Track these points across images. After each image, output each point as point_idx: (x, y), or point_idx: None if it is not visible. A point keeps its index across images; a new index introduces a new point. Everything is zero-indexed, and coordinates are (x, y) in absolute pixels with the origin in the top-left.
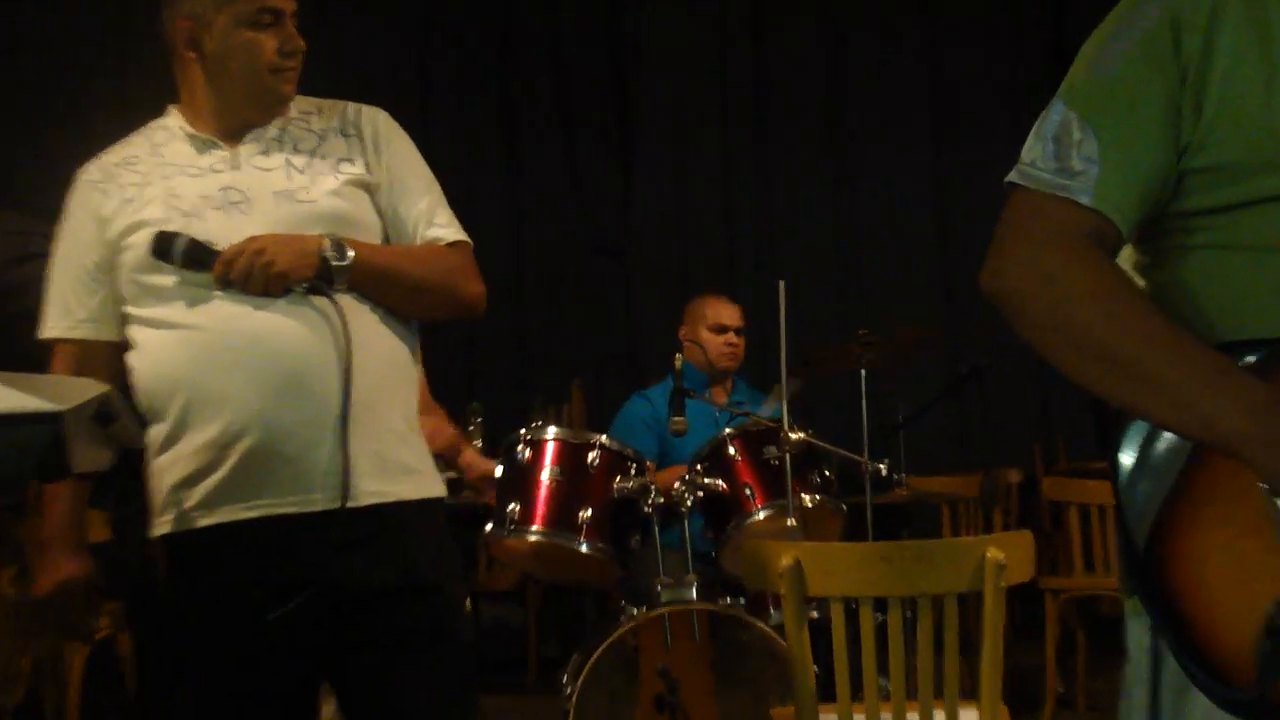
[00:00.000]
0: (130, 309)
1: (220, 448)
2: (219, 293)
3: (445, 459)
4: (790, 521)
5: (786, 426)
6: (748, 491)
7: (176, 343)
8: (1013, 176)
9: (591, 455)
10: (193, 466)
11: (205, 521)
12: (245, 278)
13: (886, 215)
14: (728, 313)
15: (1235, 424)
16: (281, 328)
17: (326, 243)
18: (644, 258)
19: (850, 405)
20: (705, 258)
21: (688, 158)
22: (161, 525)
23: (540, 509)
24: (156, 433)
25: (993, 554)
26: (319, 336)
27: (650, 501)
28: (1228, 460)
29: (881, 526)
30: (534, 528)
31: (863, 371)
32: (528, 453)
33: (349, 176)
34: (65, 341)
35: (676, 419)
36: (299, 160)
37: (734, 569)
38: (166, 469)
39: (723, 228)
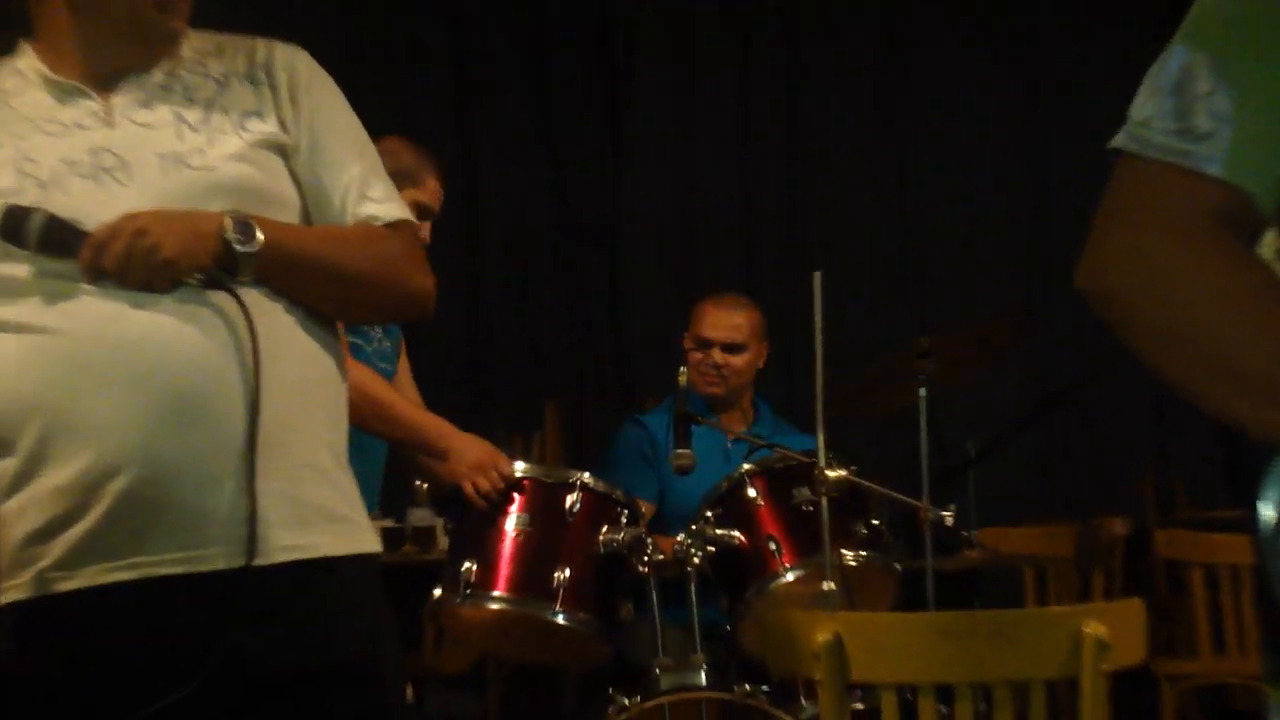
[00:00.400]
0: None
1: (87, 489)
2: (87, 287)
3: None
4: (828, 585)
5: (823, 462)
6: (773, 546)
7: (29, 352)
8: (1120, 141)
9: (570, 499)
10: (50, 514)
11: (66, 585)
12: (122, 267)
13: (954, 191)
14: (715, 321)
15: None
16: (169, 333)
17: (228, 222)
18: (637, 244)
19: (906, 434)
20: (716, 244)
21: (693, 115)
22: (7, 591)
23: (504, 569)
24: (1, 470)
25: (1092, 629)
26: (217, 344)
27: (647, 559)
28: None
29: (947, 592)
30: (496, 593)
31: (922, 391)
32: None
33: (258, 136)
34: None
35: (680, 452)
36: (192, 114)
37: (754, 647)
38: (15, 517)
39: (739, 206)
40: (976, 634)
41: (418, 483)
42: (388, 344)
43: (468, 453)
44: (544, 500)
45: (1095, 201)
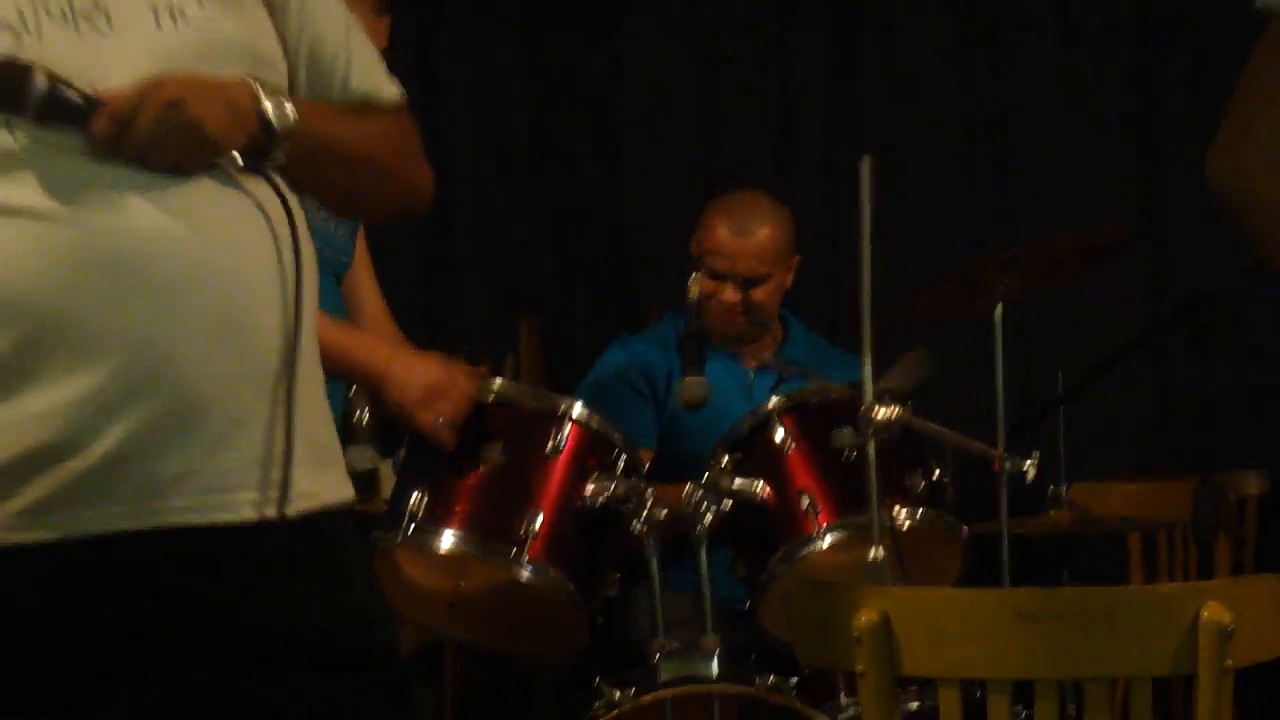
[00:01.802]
0: None
1: (91, 416)
2: (92, 165)
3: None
4: (875, 552)
5: (871, 396)
6: (806, 502)
7: (17, 240)
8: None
9: (556, 432)
10: (27, 443)
11: (40, 535)
12: (152, 144)
13: (1047, 60)
14: (728, 248)
15: None
16: (200, 228)
17: (262, 93)
18: (640, 120)
19: (978, 365)
20: (741, 122)
21: None
22: None
23: (460, 503)
24: None
25: (1212, 613)
26: (254, 243)
27: (645, 517)
28: None
29: (1028, 564)
30: (448, 530)
31: (999, 308)
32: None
33: None
34: None
35: (691, 380)
36: None
37: (781, 629)
38: None
39: (772, 73)
40: (1064, 617)
41: (356, 414)
42: (341, 231)
43: (411, 378)
44: (522, 430)
45: (1234, 77)
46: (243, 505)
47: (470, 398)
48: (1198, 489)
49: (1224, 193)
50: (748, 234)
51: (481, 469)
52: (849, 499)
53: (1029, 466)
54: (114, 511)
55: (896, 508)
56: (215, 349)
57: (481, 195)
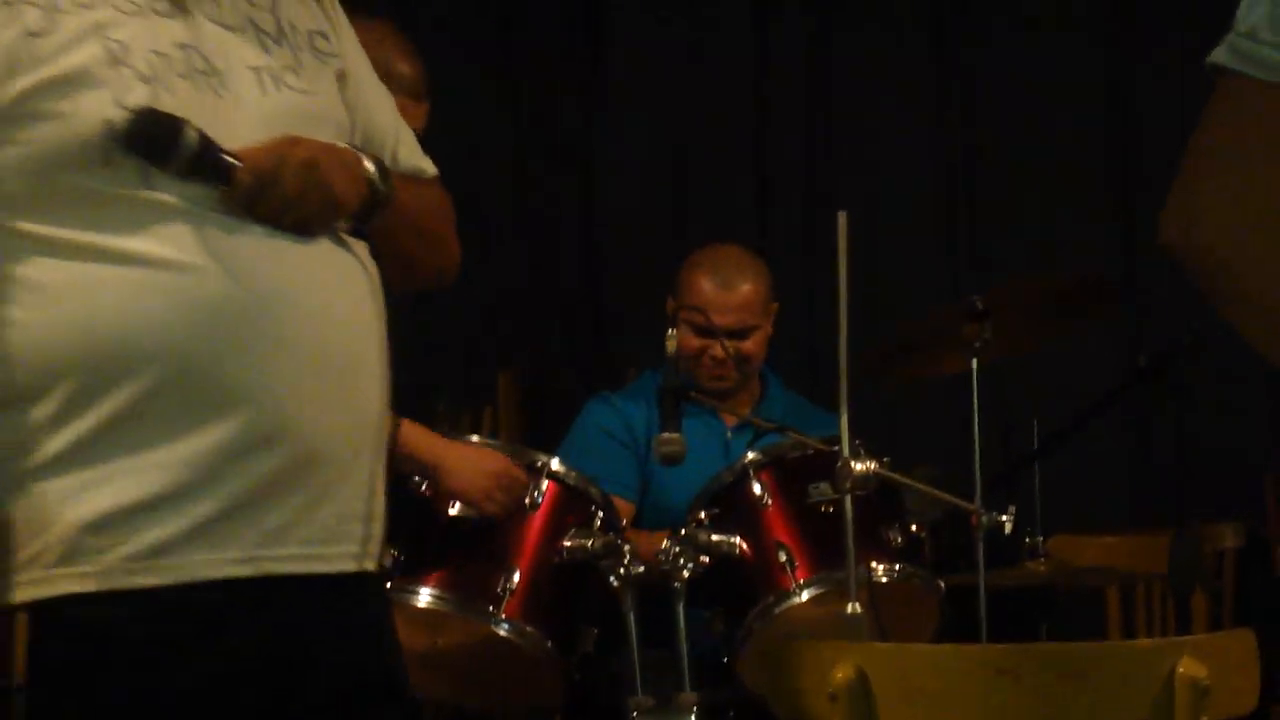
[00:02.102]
0: (32, 224)
1: (218, 464)
2: (219, 219)
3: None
4: (852, 607)
5: (848, 451)
6: (783, 557)
7: (150, 289)
8: (1219, 56)
9: (533, 487)
10: (149, 489)
11: (150, 580)
12: (289, 203)
13: (1019, 115)
14: (714, 301)
15: None
16: (323, 284)
17: (369, 162)
18: (620, 174)
19: (954, 418)
20: (719, 177)
21: (690, 9)
22: (56, 581)
23: (437, 561)
24: (35, 424)
25: (1188, 668)
26: (361, 302)
27: (623, 571)
28: None
29: (1006, 618)
30: (425, 590)
31: (974, 363)
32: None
33: (328, 56)
34: None
35: (668, 436)
36: (266, 21)
37: (759, 684)
38: (78, 488)
39: (749, 128)
40: (1041, 672)
41: None
42: None
43: (470, 468)
44: None
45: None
46: (344, 558)
47: (525, 488)
48: (1173, 542)
49: (1178, 256)
50: (732, 288)
51: (460, 525)
52: (826, 554)
53: (1006, 520)
54: (225, 558)
55: (873, 562)
56: (332, 405)
57: (465, 252)
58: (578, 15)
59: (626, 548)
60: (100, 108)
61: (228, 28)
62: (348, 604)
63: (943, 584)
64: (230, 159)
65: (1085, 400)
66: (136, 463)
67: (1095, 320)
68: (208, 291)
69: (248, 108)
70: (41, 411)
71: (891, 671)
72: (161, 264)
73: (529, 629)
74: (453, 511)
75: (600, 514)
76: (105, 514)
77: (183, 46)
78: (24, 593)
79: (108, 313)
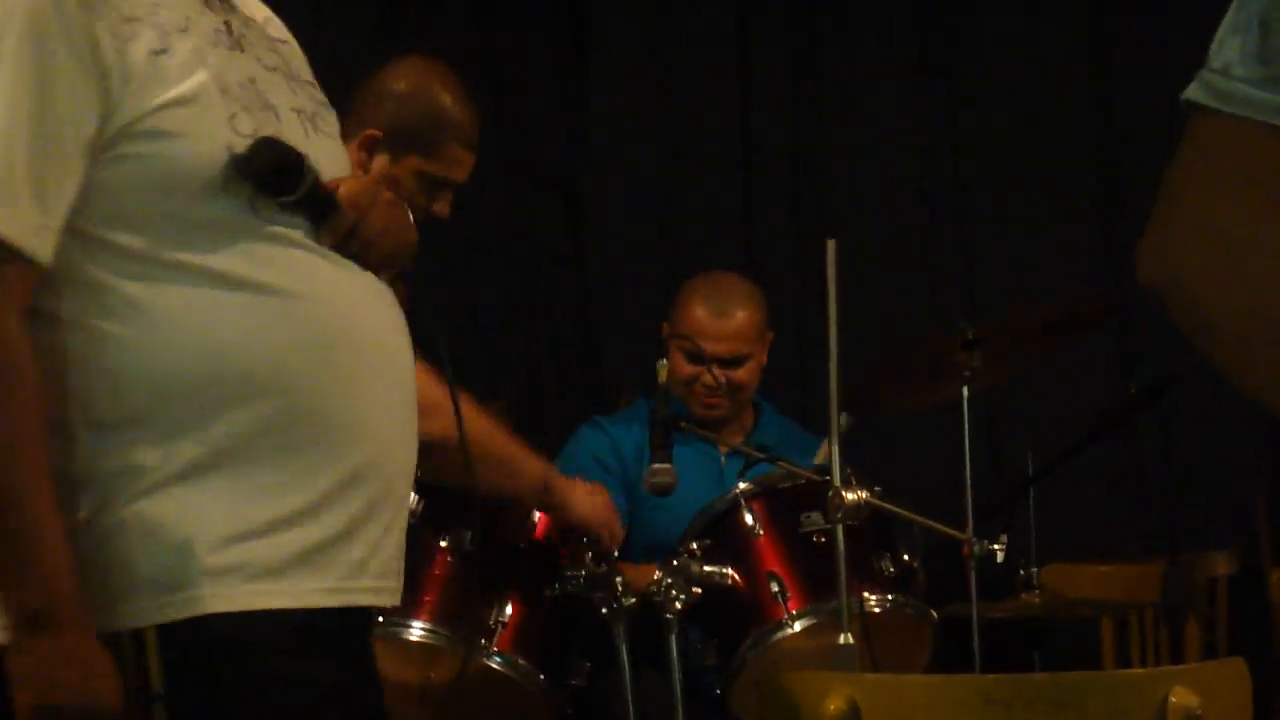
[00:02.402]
0: (147, 244)
1: (327, 495)
2: (311, 252)
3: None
4: (845, 638)
5: (839, 480)
6: (775, 588)
7: (266, 316)
8: (1193, 92)
9: (525, 518)
10: (273, 514)
11: (270, 602)
12: (378, 239)
13: (1009, 145)
14: (708, 330)
15: None
16: (396, 322)
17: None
18: (608, 200)
19: (946, 447)
20: (708, 201)
21: (680, 36)
22: (205, 600)
23: (428, 595)
24: (167, 438)
25: (1180, 697)
26: (406, 338)
27: (615, 602)
28: None
29: (999, 648)
30: (417, 624)
31: (964, 391)
32: (418, 507)
33: (330, 111)
34: (23, 258)
35: (658, 467)
36: (285, 67)
37: (752, 714)
38: (211, 501)
39: (737, 153)
40: (1033, 702)
41: None
42: None
43: (589, 503)
44: (491, 516)
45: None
46: (395, 592)
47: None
48: (1166, 570)
49: (1156, 292)
50: (727, 316)
51: (451, 557)
52: (818, 584)
53: (998, 549)
54: (322, 588)
55: (866, 593)
56: (406, 439)
57: (447, 276)
58: (565, 38)
59: (618, 579)
60: (219, 131)
61: (269, 69)
62: (369, 636)
63: (935, 614)
64: (330, 196)
65: (1077, 429)
66: (250, 488)
67: (1087, 339)
68: (320, 323)
69: (315, 148)
70: (153, 434)
71: (883, 702)
72: (278, 293)
73: (521, 661)
74: (443, 544)
75: (592, 544)
76: (227, 537)
77: (252, 81)
78: (162, 615)
79: (226, 338)
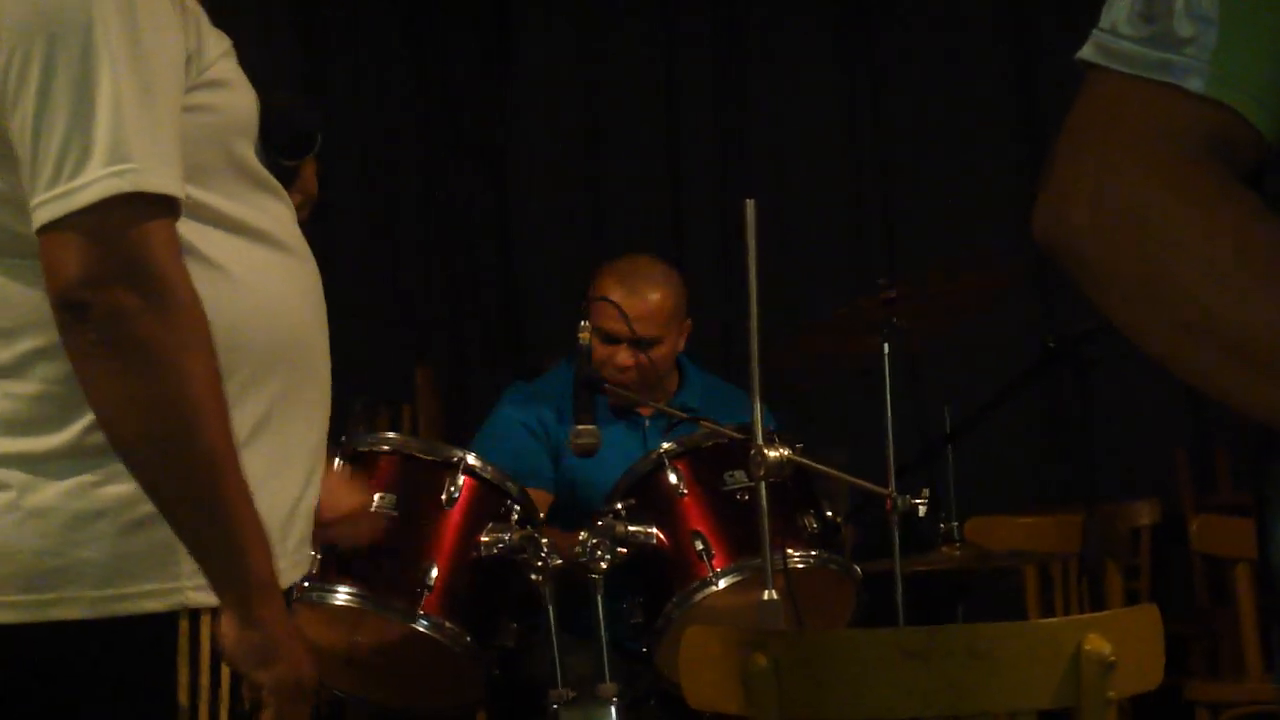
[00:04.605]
0: (214, 197)
1: (321, 455)
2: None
3: None
4: (769, 594)
5: (761, 439)
6: (700, 546)
7: (301, 278)
8: (1085, 52)
9: (450, 482)
10: (300, 478)
11: (299, 574)
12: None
13: (929, 111)
14: (625, 306)
15: None
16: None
17: None
18: (532, 168)
19: (867, 405)
20: (632, 170)
21: (601, 7)
22: (284, 573)
23: (355, 556)
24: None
25: (1095, 644)
26: None
27: (541, 564)
28: None
29: (921, 602)
30: (342, 589)
31: (885, 348)
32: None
33: None
34: (169, 212)
35: (582, 428)
36: None
37: (677, 673)
38: (279, 467)
39: (661, 121)
40: (950, 654)
41: None
42: None
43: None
44: (416, 481)
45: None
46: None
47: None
48: (1086, 520)
49: (1051, 248)
50: (641, 297)
51: (377, 521)
52: (743, 542)
53: (920, 504)
54: (309, 556)
55: (790, 549)
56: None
57: (372, 245)
58: (486, 14)
59: (545, 541)
60: (246, 83)
61: None
62: None
63: (859, 570)
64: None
65: (997, 384)
66: (284, 453)
67: (1007, 307)
68: (314, 284)
69: None
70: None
71: (802, 658)
72: (292, 251)
73: (448, 624)
74: (371, 508)
75: (517, 508)
76: (289, 505)
77: None
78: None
79: (282, 296)
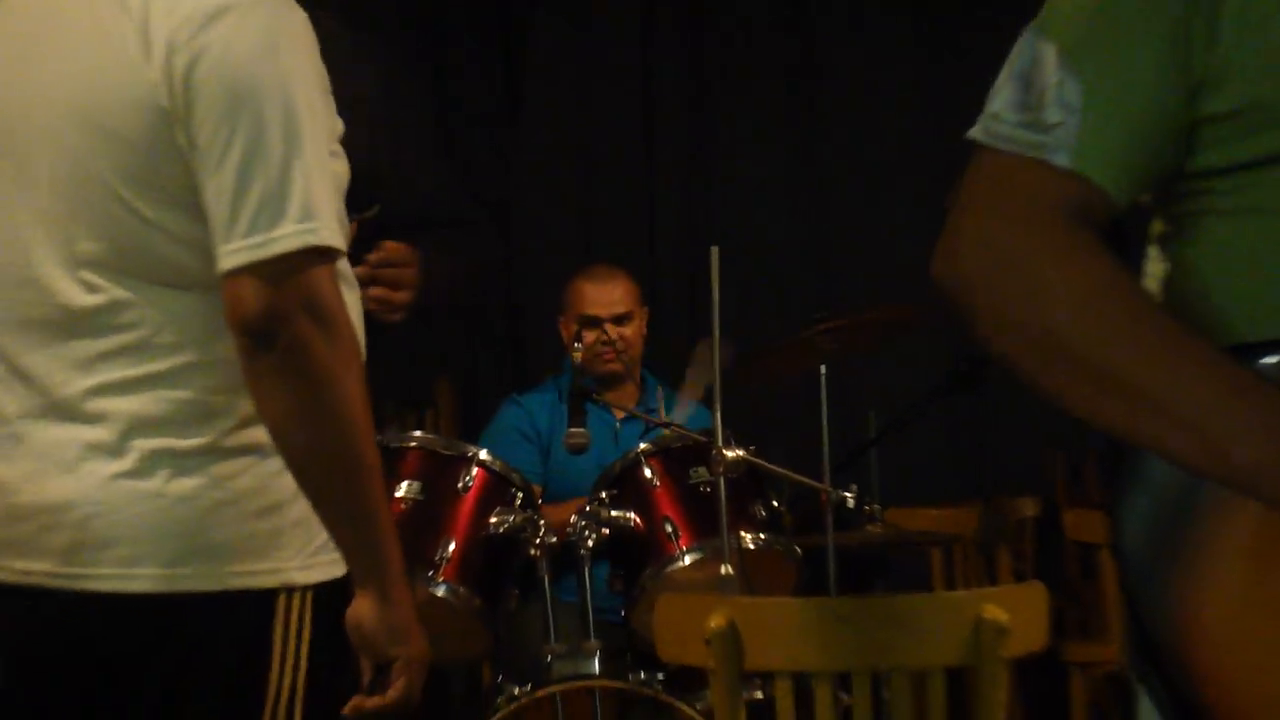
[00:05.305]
0: None
1: None
2: None
3: None
4: (725, 569)
5: (720, 441)
6: (669, 528)
7: (353, 304)
8: (974, 132)
9: (465, 474)
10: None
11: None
12: None
13: (865, 158)
14: (597, 298)
15: (1251, 453)
16: None
17: None
18: (532, 215)
19: (807, 414)
20: (615, 217)
21: (594, 79)
22: (333, 564)
23: None
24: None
25: (991, 613)
26: None
27: (539, 543)
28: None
29: (849, 576)
30: None
31: (823, 369)
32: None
33: None
34: (333, 259)
35: (574, 430)
36: None
37: (650, 633)
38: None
39: (641, 174)
40: (873, 619)
41: None
42: None
43: None
44: (437, 472)
45: None
46: None
47: None
48: (982, 511)
49: (943, 287)
50: (608, 285)
51: (404, 504)
52: (704, 525)
53: (849, 496)
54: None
55: (743, 533)
56: None
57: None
58: (497, 63)
59: (542, 523)
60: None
61: None
62: None
63: (799, 550)
64: None
65: (914, 396)
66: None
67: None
68: (360, 309)
69: None
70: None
71: (756, 621)
72: (355, 287)
73: (462, 590)
74: (399, 494)
75: (520, 495)
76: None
77: None
78: (324, 572)
79: (355, 324)
